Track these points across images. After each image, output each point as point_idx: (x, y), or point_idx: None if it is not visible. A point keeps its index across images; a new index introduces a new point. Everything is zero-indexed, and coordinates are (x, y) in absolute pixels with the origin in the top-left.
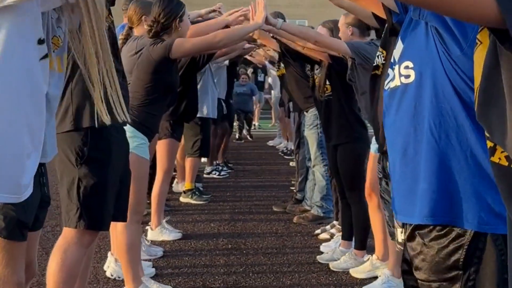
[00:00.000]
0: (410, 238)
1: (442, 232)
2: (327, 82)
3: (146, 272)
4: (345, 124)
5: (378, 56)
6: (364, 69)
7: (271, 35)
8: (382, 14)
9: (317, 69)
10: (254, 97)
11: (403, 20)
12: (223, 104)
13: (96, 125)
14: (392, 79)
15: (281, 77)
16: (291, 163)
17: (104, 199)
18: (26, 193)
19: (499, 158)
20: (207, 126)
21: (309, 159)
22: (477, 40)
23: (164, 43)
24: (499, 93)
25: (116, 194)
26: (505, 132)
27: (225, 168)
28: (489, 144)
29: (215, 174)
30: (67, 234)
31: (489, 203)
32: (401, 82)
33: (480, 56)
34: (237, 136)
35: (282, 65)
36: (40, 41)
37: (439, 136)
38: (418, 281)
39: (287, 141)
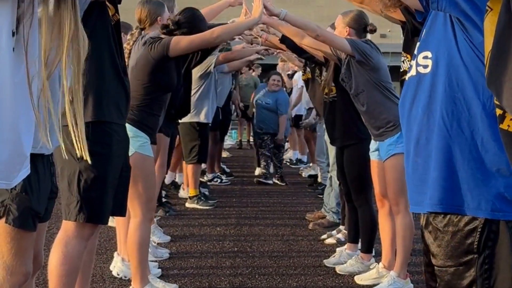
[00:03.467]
0: (426, 225)
1: (456, 219)
2: (333, 84)
3: (153, 272)
4: (350, 126)
5: (403, 62)
6: (361, 67)
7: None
8: (398, 17)
9: (325, 72)
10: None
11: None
12: (220, 111)
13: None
14: (410, 70)
15: (306, 82)
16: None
17: (104, 192)
18: (15, 179)
19: (508, 125)
20: (205, 131)
21: (328, 164)
22: (487, 7)
23: (162, 42)
24: (510, 54)
25: (115, 189)
26: None
27: (224, 176)
28: (498, 111)
29: (216, 181)
30: (67, 227)
31: (502, 191)
32: (417, 72)
33: (491, 22)
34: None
35: (308, 69)
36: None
37: (451, 125)
38: (435, 267)
39: (295, 150)
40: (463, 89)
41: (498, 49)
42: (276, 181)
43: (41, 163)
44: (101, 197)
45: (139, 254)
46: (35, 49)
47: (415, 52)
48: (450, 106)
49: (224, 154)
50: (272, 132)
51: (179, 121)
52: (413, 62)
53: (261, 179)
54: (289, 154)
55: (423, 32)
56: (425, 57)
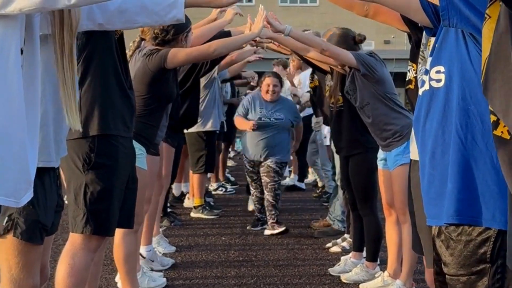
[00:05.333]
0: (439, 234)
1: (470, 229)
2: (339, 93)
3: (158, 282)
4: (356, 135)
5: (409, 70)
6: (366, 80)
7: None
8: (402, 27)
9: (329, 81)
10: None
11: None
12: (224, 123)
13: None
14: (422, 85)
15: (314, 89)
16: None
17: (110, 204)
18: (24, 198)
19: (502, 132)
20: (212, 140)
21: (334, 173)
22: (486, 15)
23: (160, 54)
24: (506, 60)
25: (121, 201)
26: (509, 106)
27: (229, 185)
28: (493, 118)
29: (221, 190)
30: (74, 240)
31: None
32: (430, 86)
33: (489, 29)
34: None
35: (316, 76)
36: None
37: (465, 137)
38: (447, 276)
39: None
40: (476, 102)
41: (495, 55)
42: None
43: (47, 177)
44: (108, 209)
45: (126, 265)
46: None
47: (427, 67)
48: (464, 119)
49: (229, 163)
50: (285, 161)
51: (186, 131)
52: (426, 77)
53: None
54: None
55: (435, 48)
56: (438, 72)
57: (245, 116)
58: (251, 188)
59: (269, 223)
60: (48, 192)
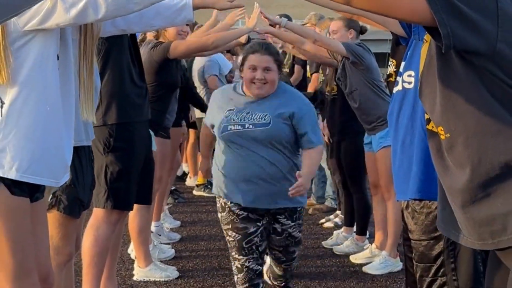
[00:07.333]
0: (406, 207)
1: (430, 203)
2: (334, 83)
3: (167, 254)
4: (348, 120)
5: (389, 66)
6: (355, 68)
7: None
8: (382, 28)
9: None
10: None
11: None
12: None
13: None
14: (397, 85)
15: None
16: None
17: (128, 182)
18: (62, 179)
19: (432, 126)
20: None
21: None
22: (424, 40)
23: (163, 45)
24: (433, 75)
25: (138, 180)
26: (434, 107)
27: None
28: (426, 116)
29: None
30: (97, 214)
31: None
32: (403, 87)
33: (424, 51)
34: None
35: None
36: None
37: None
38: (412, 241)
39: None
40: None
41: (427, 70)
42: None
43: (84, 157)
44: (126, 187)
45: (140, 237)
46: (72, 67)
47: (401, 70)
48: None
49: None
50: None
51: (197, 116)
52: (399, 79)
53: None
54: None
55: (407, 55)
56: (409, 75)
57: None
58: None
59: None
60: (85, 172)
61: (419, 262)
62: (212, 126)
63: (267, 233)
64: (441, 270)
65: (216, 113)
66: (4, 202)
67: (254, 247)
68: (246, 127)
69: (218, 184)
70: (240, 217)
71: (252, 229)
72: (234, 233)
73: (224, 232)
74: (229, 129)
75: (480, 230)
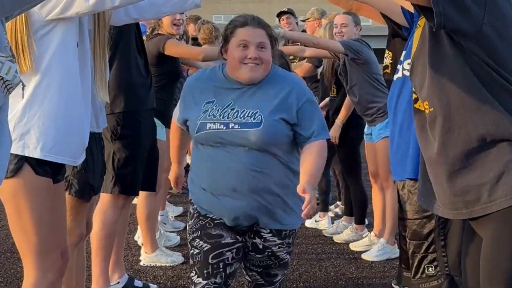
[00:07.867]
0: (402, 188)
1: None
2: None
3: (174, 241)
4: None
5: (386, 58)
6: (355, 63)
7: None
8: (379, 21)
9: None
10: None
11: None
12: None
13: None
14: (397, 72)
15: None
16: None
17: (134, 169)
18: (80, 159)
19: (419, 105)
20: None
21: None
22: (417, 24)
23: (158, 38)
24: (424, 56)
25: (144, 166)
26: (423, 85)
27: None
28: (414, 96)
29: None
30: (105, 199)
31: None
32: (403, 74)
33: (417, 34)
34: None
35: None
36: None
37: None
38: (406, 220)
39: None
40: None
41: (419, 52)
42: None
43: (94, 144)
44: (132, 173)
45: (147, 223)
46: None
47: (402, 58)
48: None
49: None
50: None
51: None
52: (400, 67)
53: None
54: None
55: (408, 44)
56: (409, 64)
57: None
58: None
59: None
60: (95, 159)
61: (411, 239)
62: (185, 122)
63: (244, 251)
64: (432, 247)
65: (190, 105)
66: (29, 181)
67: (221, 265)
68: (230, 126)
69: (195, 194)
70: (215, 221)
71: (228, 240)
72: (202, 243)
73: (189, 245)
74: (207, 127)
75: (455, 200)
